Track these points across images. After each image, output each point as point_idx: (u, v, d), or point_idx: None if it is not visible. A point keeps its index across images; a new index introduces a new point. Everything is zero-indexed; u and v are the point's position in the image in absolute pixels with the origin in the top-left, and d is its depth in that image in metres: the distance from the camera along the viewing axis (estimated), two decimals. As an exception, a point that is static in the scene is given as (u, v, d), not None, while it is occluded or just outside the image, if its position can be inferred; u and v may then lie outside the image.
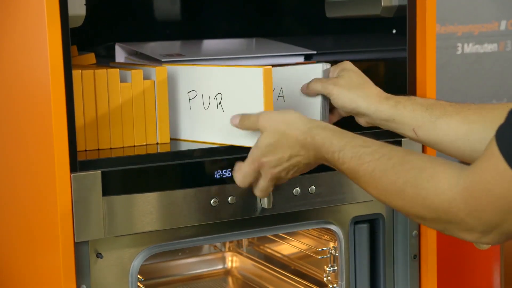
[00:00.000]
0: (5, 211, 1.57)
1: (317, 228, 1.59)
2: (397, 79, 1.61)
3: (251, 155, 1.30)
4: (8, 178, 1.53)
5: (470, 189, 1.00)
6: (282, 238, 1.83)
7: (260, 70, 1.33)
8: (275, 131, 1.28)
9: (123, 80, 1.41)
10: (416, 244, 1.59)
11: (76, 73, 1.34)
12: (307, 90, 1.46)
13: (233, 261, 1.99)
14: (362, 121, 1.44)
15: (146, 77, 1.43)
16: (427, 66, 1.55)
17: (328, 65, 1.50)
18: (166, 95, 1.44)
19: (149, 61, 1.57)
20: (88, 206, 1.27)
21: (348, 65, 1.46)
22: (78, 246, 1.28)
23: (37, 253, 1.38)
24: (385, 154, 1.15)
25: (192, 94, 1.43)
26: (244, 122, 1.33)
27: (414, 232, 1.58)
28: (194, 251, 1.94)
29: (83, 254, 1.29)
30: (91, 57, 1.59)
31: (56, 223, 1.25)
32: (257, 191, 1.33)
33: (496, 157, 0.95)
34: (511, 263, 1.92)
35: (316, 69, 1.48)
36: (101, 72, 1.38)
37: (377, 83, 1.44)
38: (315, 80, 1.46)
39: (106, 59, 1.65)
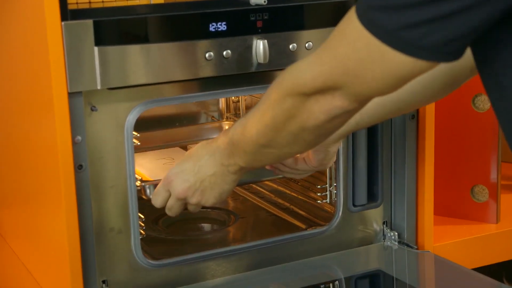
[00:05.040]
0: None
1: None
2: None
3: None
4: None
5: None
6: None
7: None
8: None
9: None
10: (414, 103, 1.57)
11: None
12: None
13: (230, 130, 1.98)
14: None
15: None
16: None
17: None
18: None
19: None
20: (81, 56, 1.25)
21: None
22: (72, 98, 1.26)
23: (32, 106, 1.37)
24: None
25: None
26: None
27: (412, 92, 1.56)
28: (191, 121, 1.94)
29: (78, 106, 1.28)
30: None
31: (48, 73, 1.24)
32: (166, 210, 1.34)
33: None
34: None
35: None
36: None
37: None
38: None
39: None
